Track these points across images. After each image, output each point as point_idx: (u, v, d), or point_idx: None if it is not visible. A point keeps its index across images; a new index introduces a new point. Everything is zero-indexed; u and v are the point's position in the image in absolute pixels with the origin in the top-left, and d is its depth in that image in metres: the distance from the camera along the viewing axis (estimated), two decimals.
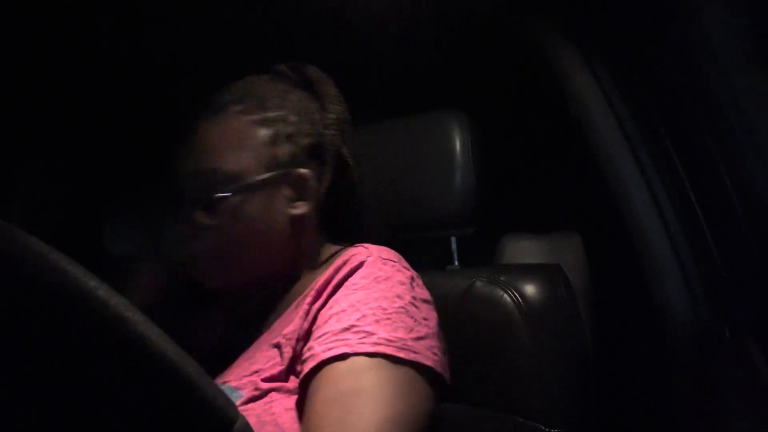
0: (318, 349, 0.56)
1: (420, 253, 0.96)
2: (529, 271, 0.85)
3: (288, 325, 0.63)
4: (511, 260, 1.51)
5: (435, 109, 0.98)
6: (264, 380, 0.59)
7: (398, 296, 0.60)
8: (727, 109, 0.70)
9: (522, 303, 0.80)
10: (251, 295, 0.74)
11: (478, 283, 0.84)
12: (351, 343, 0.54)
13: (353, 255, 0.66)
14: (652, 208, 0.88)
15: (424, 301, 0.64)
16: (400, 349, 0.55)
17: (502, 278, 0.83)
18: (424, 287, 0.66)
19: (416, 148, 0.95)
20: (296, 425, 0.56)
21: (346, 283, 0.62)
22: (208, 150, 0.69)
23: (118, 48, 1.18)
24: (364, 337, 0.55)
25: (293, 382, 0.59)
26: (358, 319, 0.56)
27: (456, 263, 0.98)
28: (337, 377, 0.53)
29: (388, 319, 0.57)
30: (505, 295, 0.81)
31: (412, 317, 0.59)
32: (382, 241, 0.72)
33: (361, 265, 0.63)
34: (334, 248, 0.74)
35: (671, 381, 0.87)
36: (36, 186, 1.45)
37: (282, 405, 0.57)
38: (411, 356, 0.55)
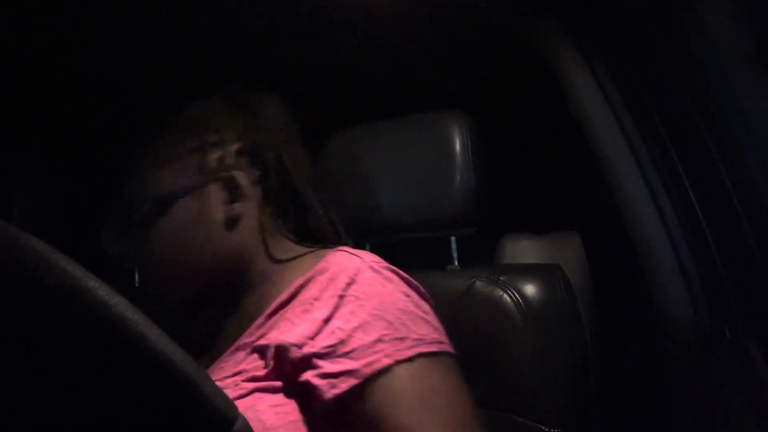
0: (352, 365, 0.56)
1: (420, 253, 0.96)
2: (529, 271, 0.85)
3: (271, 330, 0.62)
4: (511, 260, 1.52)
5: (435, 109, 0.98)
6: (246, 381, 0.58)
7: (406, 294, 0.63)
8: (727, 109, 0.70)
9: (522, 303, 0.80)
10: (220, 300, 0.74)
11: (478, 283, 0.84)
12: (389, 352, 0.56)
13: (342, 260, 0.66)
14: (652, 208, 0.88)
15: (425, 297, 0.66)
16: (432, 343, 0.58)
17: (502, 278, 0.83)
18: (416, 285, 0.68)
19: (416, 148, 0.95)
20: (279, 422, 0.55)
21: (349, 293, 0.61)
22: (139, 173, 0.75)
23: (118, 47, 1.18)
24: (398, 344, 0.57)
25: (278, 383, 0.58)
26: (385, 327, 0.58)
27: (456, 263, 0.97)
28: (387, 391, 0.55)
29: (410, 320, 0.59)
30: (505, 295, 0.81)
31: (424, 312, 0.62)
32: (350, 245, 0.73)
33: (358, 273, 0.63)
34: (301, 250, 0.74)
35: (671, 381, 0.87)
36: (36, 186, 1.45)
37: (266, 402, 0.56)
38: (444, 348, 0.59)
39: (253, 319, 0.66)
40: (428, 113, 0.98)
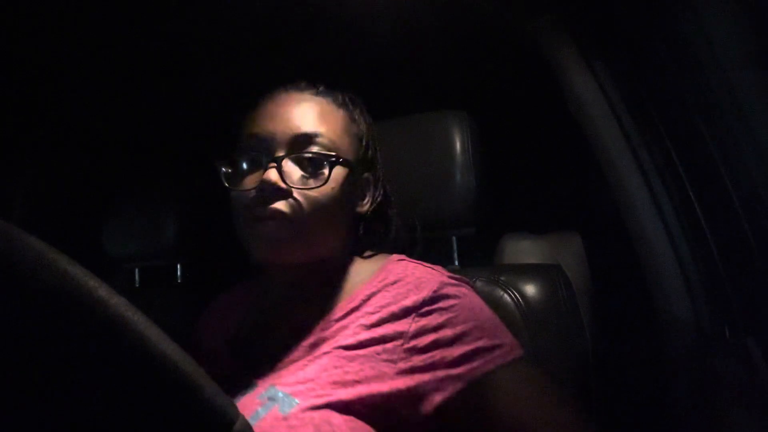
0: (457, 372, 0.61)
1: (420, 253, 0.96)
2: (529, 271, 0.85)
3: (346, 337, 0.63)
4: (511, 260, 1.51)
5: (435, 108, 0.98)
6: (321, 390, 0.58)
7: (484, 307, 0.68)
8: (727, 109, 0.70)
9: (522, 303, 0.80)
10: (288, 281, 0.74)
11: (478, 283, 0.84)
12: (490, 358, 0.61)
13: (412, 273, 0.68)
14: (652, 208, 0.88)
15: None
16: (519, 347, 0.65)
17: (502, 278, 0.83)
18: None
19: (417, 148, 0.95)
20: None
21: (436, 308, 0.64)
22: (308, 117, 0.71)
23: (117, 49, 1.18)
24: (494, 349, 0.62)
25: (348, 395, 0.58)
26: (479, 336, 0.62)
27: (456, 263, 0.97)
28: (508, 387, 0.61)
29: (497, 326, 0.66)
30: (505, 295, 0.81)
31: (498, 321, 0.67)
32: (410, 252, 0.78)
33: (440, 286, 0.66)
34: (376, 255, 0.77)
35: (671, 381, 0.87)
36: (36, 186, 1.45)
37: (341, 417, 0.57)
38: (521, 352, 0.64)
39: (321, 317, 0.68)
40: (428, 113, 0.98)
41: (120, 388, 0.29)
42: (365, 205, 0.76)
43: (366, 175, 0.76)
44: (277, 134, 0.68)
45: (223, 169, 0.71)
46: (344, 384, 0.58)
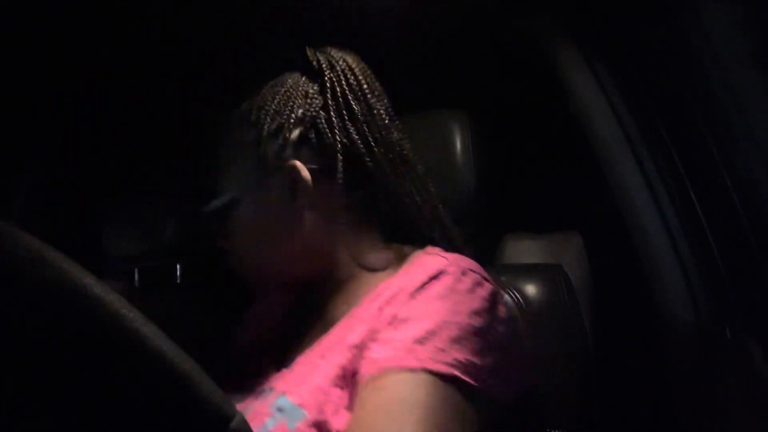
0: (382, 355, 0.53)
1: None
2: (529, 271, 0.85)
3: (353, 335, 0.58)
4: (511, 260, 1.51)
5: (436, 108, 0.98)
6: (324, 396, 0.55)
7: (476, 313, 0.55)
8: (728, 108, 0.70)
9: (523, 303, 0.80)
10: (296, 296, 0.72)
11: None
12: (422, 357, 0.51)
13: (428, 261, 0.61)
14: (652, 208, 0.88)
15: (505, 320, 0.59)
16: (471, 375, 0.51)
17: (502, 278, 0.83)
18: (504, 303, 0.61)
19: (417, 147, 0.95)
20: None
21: (422, 292, 0.56)
22: (214, 167, 0.70)
23: (114, 50, 1.18)
24: (437, 354, 0.51)
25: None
26: (430, 333, 0.52)
27: None
28: (394, 386, 0.50)
29: (464, 338, 0.53)
30: (506, 296, 0.81)
31: (488, 341, 0.55)
32: (459, 247, 0.66)
33: (439, 274, 0.57)
34: (397, 248, 0.66)
35: (672, 381, 0.87)
36: (35, 186, 1.45)
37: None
38: (482, 385, 0.52)
39: (334, 322, 0.62)
40: (429, 112, 0.98)
41: (116, 385, 0.29)
42: (300, 200, 0.64)
43: (290, 164, 0.63)
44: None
45: None
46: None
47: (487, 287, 0.59)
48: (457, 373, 0.50)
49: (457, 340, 0.52)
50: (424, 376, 0.50)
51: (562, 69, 0.98)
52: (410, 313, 0.55)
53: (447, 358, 0.51)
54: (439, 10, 1.11)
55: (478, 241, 1.00)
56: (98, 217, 1.43)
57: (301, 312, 0.71)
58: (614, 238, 1.04)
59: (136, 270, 1.44)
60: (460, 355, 0.52)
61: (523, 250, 1.51)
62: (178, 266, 1.42)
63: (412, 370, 0.50)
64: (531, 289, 0.82)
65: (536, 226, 1.57)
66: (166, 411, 0.30)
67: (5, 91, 1.24)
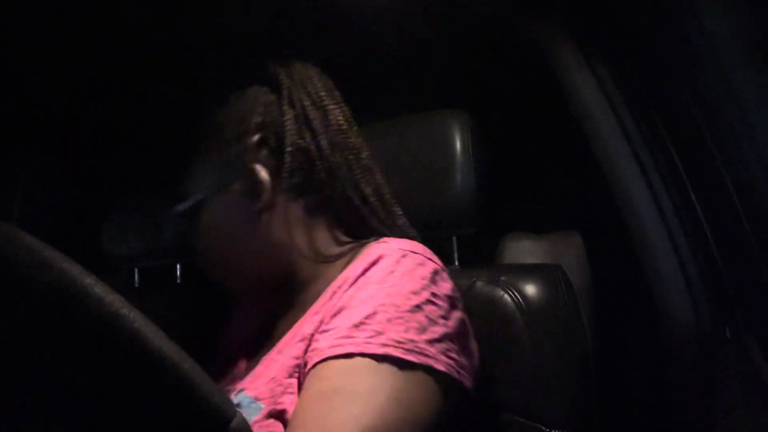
0: (323, 344, 0.53)
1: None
2: (529, 271, 0.85)
3: (305, 327, 0.60)
4: (511, 260, 1.51)
5: (436, 108, 0.98)
6: (278, 386, 0.57)
7: (414, 292, 0.56)
8: (728, 108, 0.70)
9: (522, 303, 0.80)
10: (268, 299, 0.75)
11: (479, 284, 0.83)
12: (358, 341, 0.51)
13: (372, 249, 0.62)
14: (652, 208, 0.88)
15: (447, 297, 0.59)
16: (410, 351, 0.51)
17: (502, 278, 0.83)
18: (449, 281, 0.61)
19: (417, 148, 0.95)
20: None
21: (361, 278, 0.58)
22: (181, 177, 0.76)
23: (117, 48, 1.18)
24: (372, 337, 0.51)
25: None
26: (367, 317, 0.53)
27: (456, 263, 0.97)
28: (332, 375, 0.51)
29: (400, 318, 0.53)
30: (506, 296, 0.81)
31: (427, 316, 0.55)
32: (413, 237, 0.69)
33: (378, 259, 0.59)
34: (352, 244, 0.69)
35: (672, 381, 0.87)
36: (35, 186, 1.45)
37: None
38: (422, 359, 0.52)
39: (295, 320, 0.63)
40: (428, 113, 0.98)
41: (116, 385, 0.29)
42: (258, 206, 0.67)
43: (249, 167, 0.68)
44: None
45: None
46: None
47: (430, 266, 0.60)
48: (392, 352, 0.51)
49: (394, 320, 0.53)
50: (361, 361, 0.51)
51: (562, 69, 0.98)
52: (350, 300, 0.56)
53: (382, 339, 0.51)
54: (439, 11, 1.11)
55: (478, 241, 1.01)
56: (98, 217, 1.43)
57: (271, 314, 0.73)
58: (614, 238, 1.05)
59: (136, 270, 1.44)
60: (397, 335, 0.52)
61: (523, 250, 1.52)
62: (178, 266, 1.42)
63: (349, 355, 0.51)
64: (531, 289, 0.81)
65: (536, 226, 1.57)
66: (167, 411, 0.30)
67: (6, 91, 1.24)
